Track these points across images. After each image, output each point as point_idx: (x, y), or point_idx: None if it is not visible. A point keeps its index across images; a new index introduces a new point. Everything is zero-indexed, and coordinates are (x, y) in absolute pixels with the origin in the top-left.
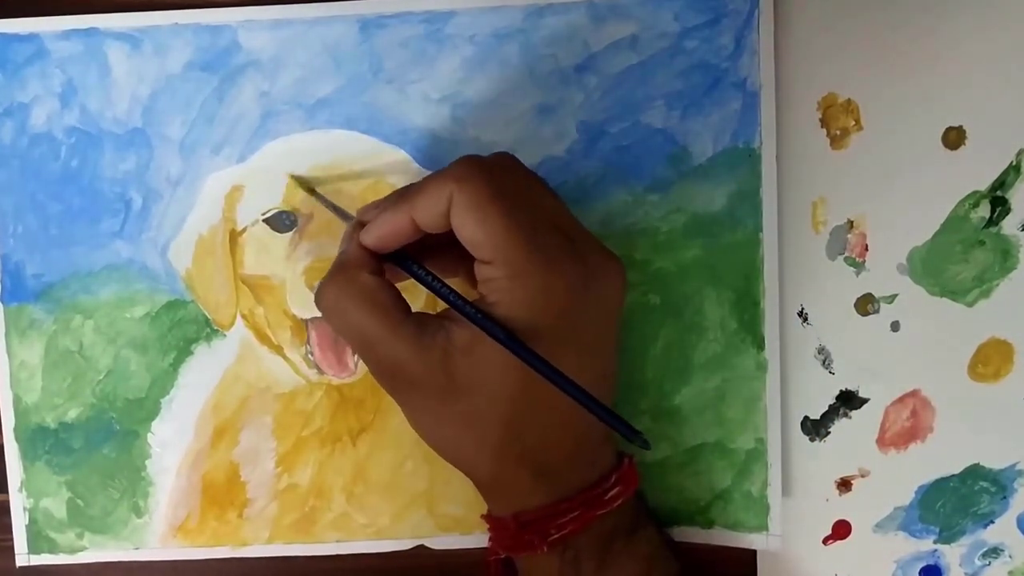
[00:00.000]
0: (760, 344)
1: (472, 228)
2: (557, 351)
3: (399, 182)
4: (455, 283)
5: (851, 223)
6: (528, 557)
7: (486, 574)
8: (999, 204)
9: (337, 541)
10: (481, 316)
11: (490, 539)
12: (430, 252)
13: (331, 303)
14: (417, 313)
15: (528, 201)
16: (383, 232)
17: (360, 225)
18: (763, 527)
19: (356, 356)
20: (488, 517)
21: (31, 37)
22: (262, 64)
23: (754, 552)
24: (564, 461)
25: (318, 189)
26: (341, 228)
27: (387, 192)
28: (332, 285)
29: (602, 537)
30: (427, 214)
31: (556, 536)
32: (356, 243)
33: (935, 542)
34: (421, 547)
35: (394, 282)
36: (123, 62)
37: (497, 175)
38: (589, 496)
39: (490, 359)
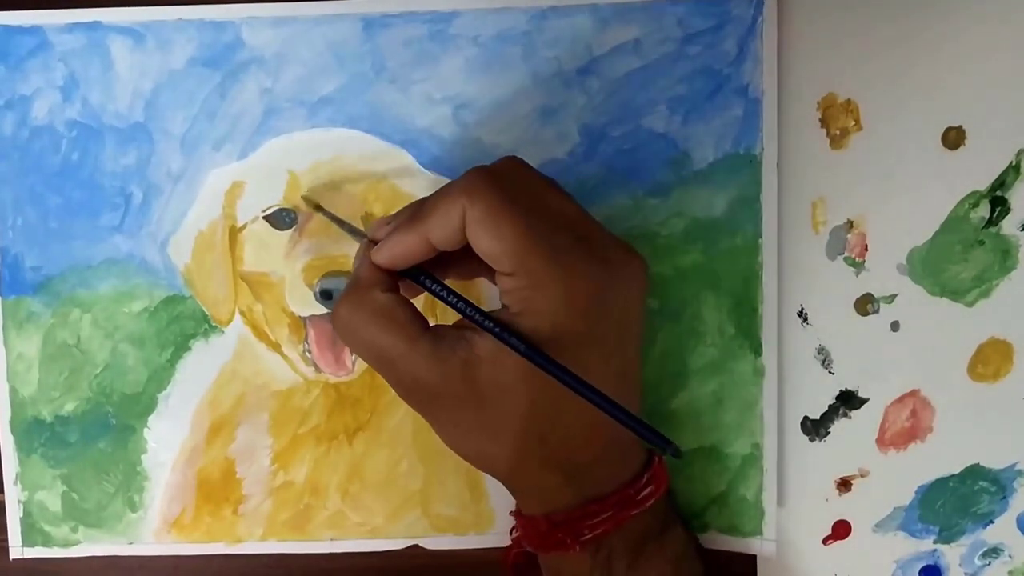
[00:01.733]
0: (758, 349)
1: (488, 242)
2: (581, 354)
3: (400, 182)
4: (479, 284)
5: (851, 223)
6: (558, 556)
7: (505, 568)
8: (999, 204)
9: (331, 539)
10: (499, 329)
11: (515, 535)
12: (451, 258)
13: (345, 323)
14: (435, 327)
15: (542, 206)
16: (396, 252)
17: (372, 243)
18: (758, 532)
19: (354, 355)
20: (517, 515)
21: (34, 30)
22: (265, 61)
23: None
24: (594, 462)
25: (324, 205)
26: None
27: (387, 192)
28: (345, 305)
29: (634, 537)
30: (441, 233)
31: (589, 536)
32: (368, 262)
33: (935, 542)
34: (415, 547)
35: (410, 296)
36: (126, 56)
37: (507, 183)
38: (622, 497)
39: (514, 367)
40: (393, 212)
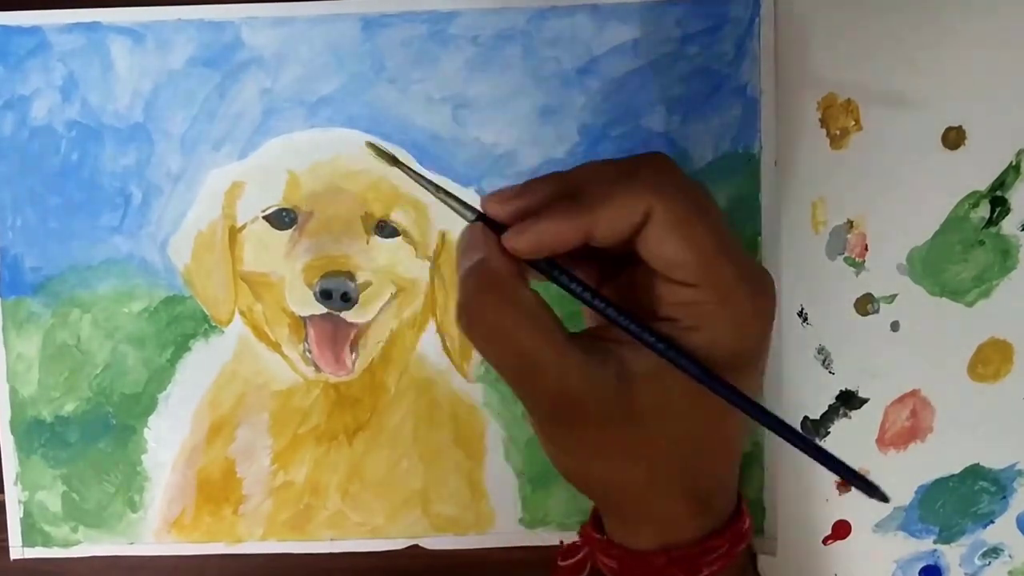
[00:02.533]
0: None
1: (676, 248)
2: (745, 376)
3: (400, 182)
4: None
5: (851, 223)
6: None
7: None
8: (999, 204)
9: (331, 539)
10: (672, 350)
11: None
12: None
13: (490, 324)
14: (578, 336)
15: (722, 220)
16: (543, 240)
17: (490, 223)
18: (759, 531)
19: (354, 355)
20: (612, 546)
21: (33, 30)
22: (264, 61)
23: (753, 552)
24: (720, 492)
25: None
26: (342, 226)
27: (387, 192)
28: (488, 303)
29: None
30: (611, 228)
31: (706, 574)
32: (500, 250)
33: (935, 542)
34: (415, 547)
35: None
36: (125, 56)
37: (692, 189)
38: (735, 530)
39: (678, 387)
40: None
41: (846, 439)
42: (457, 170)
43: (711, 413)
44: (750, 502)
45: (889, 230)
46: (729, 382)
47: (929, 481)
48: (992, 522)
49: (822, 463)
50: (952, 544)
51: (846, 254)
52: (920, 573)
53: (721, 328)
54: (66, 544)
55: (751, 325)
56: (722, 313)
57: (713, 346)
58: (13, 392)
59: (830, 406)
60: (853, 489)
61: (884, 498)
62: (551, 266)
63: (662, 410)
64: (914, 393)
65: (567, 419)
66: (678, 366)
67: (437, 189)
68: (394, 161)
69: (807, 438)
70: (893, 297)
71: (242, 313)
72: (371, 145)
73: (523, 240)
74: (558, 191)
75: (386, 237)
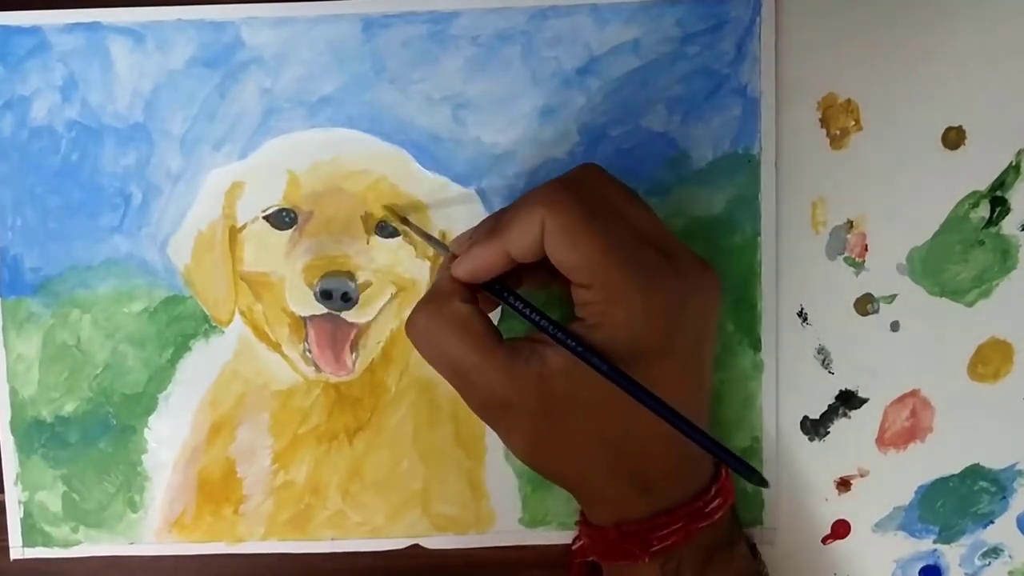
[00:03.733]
0: (757, 345)
1: (566, 253)
2: (656, 369)
3: (400, 182)
4: (546, 294)
5: (851, 223)
6: (626, 566)
7: (569, 573)
8: (999, 204)
9: (332, 539)
10: (581, 348)
11: (579, 542)
12: (524, 266)
13: (422, 331)
14: (509, 340)
15: (620, 218)
16: (476, 266)
17: (454, 257)
18: (758, 522)
19: (355, 355)
20: (583, 524)
21: (33, 30)
22: (265, 61)
23: (752, 543)
24: (666, 474)
25: (411, 218)
26: (342, 226)
27: (387, 192)
28: (423, 313)
29: (703, 549)
30: (520, 245)
31: (658, 548)
32: (449, 274)
33: (935, 542)
34: (416, 546)
35: (487, 310)
36: (125, 57)
37: (586, 195)
38: (691, 509)
39: (590, 380)
40: (472, 227)
41: (846, 439)
42: (457, 170)
43: (628, 406)
44: (748, 496)
45: (889, 230)
46: (629, 374)
47: (929, 481)
48: (992, 522)
49: (712, 452)
50: (952, 544)
51: (846, 254)
52: (920, 573)
53: (615, 325)
54: (66, 544)
55: (642, 322)
56: (613, 311)
57: (613, 342)
58: (13, 392)
59: (830, 406)
60: (853, 488)
61: (764, 482)
62: (499, 288)
63: (578, 401)
64: (914, 393)
65: (496, 414)
66: (584, 360)
67: (425, 237)
68: (404, 220)
69: (694, 425)
70: (893, 297)
71: (242, 313)
72: (386, 207)
73: (461, 268)
74: (491, 224)
75: (386, 237)
